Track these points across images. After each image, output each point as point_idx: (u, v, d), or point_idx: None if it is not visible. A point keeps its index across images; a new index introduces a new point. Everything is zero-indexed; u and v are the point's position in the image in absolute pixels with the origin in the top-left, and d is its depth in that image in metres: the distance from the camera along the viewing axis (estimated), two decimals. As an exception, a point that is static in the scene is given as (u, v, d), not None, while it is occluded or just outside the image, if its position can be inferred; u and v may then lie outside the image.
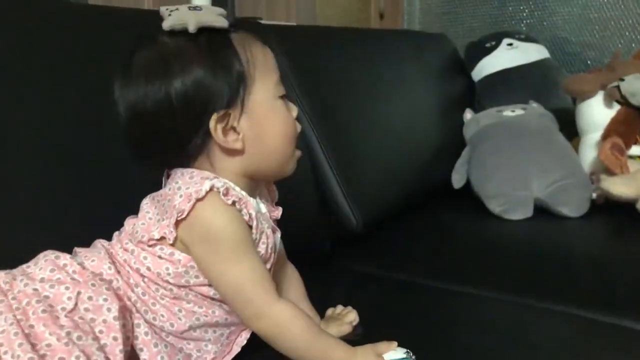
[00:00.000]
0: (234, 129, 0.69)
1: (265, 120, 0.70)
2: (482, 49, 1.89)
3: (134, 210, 0.74)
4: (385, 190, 1.41)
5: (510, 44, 1.87)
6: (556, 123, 1.63)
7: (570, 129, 1.63)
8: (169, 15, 0.66)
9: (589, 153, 1.53)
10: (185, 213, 0.66)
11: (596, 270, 1.13)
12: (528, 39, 1.91)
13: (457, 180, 1.58)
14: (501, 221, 1.43)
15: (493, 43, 1.88)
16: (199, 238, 0.67)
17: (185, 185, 0.67)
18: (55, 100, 0.85)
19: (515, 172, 1.47)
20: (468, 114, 1.72)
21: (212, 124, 0.67)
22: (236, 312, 0.71)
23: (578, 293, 1.04)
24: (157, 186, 0.75)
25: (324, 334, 0.73)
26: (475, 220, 1.45)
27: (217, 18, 0.68)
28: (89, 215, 0.84)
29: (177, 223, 0.67)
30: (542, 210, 1.44)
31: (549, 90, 1.77)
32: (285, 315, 0.69)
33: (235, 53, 0.68)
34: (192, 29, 0.66)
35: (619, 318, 0.96)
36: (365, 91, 1.47)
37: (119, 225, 0.76)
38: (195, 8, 0.67)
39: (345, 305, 0.92)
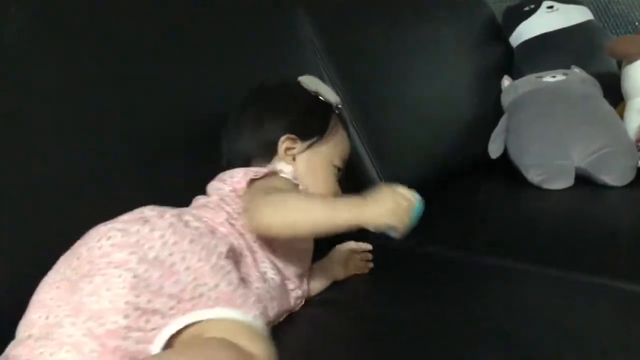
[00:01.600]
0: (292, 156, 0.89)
1: (314, 170, 0.89)
2: (520, 13, 1.81)
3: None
4: (420, 165, 1.36)
5: (551, 7, 1.78)
6: (600, 88, 1.55)
7: (615, 94, 1.54)
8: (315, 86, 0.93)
9: (635, 118, 1.45)
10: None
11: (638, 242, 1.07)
12: (569, 0, 1.82)
13: (494, 150, 1.52)
14: (541, 191, 1.37)
15: (532, 6, 1.80)
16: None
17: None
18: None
19: (554, 141, 1.40)
20: (506, 81, 1.65)
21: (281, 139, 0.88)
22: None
23: (620, 265, 0.99)
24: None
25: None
26: (513, 191, 1.40)
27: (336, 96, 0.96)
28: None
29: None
30: (583, 180, 1.38)
31: (592, 54, 1.69)
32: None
33: (331, 118, 0.92)
34: (336, 102, 0.95)
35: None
36: (398, 62, 1.42)
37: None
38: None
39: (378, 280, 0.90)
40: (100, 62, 0.89)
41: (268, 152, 0.88)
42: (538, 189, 1.38)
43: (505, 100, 1.61)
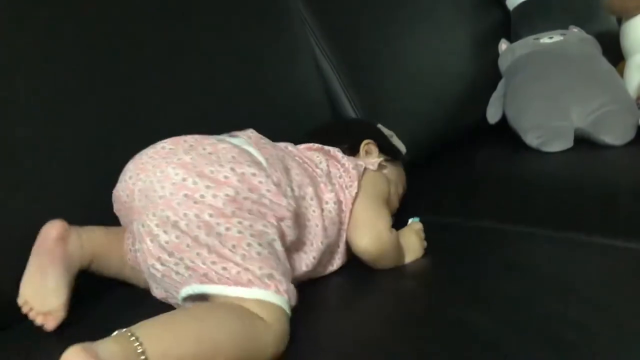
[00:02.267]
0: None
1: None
2: (516, -25, 1.77)
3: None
4: (415, 133, 1.33)
5: (547, -33, 1.74)
6: (599, 48, 1.52)
7: (616, 53, 1.51)
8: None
9: (635, 76, 1.42)
10: None
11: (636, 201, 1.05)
12: (566, -40, 1.77)
13: (492, 114, 1.50)
14: (540, 154, 1.34)
15: (528, -33, 1.76)
16: None
17: None
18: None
19: (552, 102, 1.37)
20: (503, 45, 1.62)
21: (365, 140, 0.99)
22: None
23: (620, 224, 0.97)
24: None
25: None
26: (512, 155, 1.38)
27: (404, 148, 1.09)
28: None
29: None
30: (583, 141, 1.35)
31: (591, 13, 1.65)
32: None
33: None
34: (404, 152, 1.09)
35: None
36: (389, 26, 1.39)
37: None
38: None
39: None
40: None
41: (349, 147, 0.96)
42: (537, 152, 1.35)
43: (503, 64, 1.58)
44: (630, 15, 1.43)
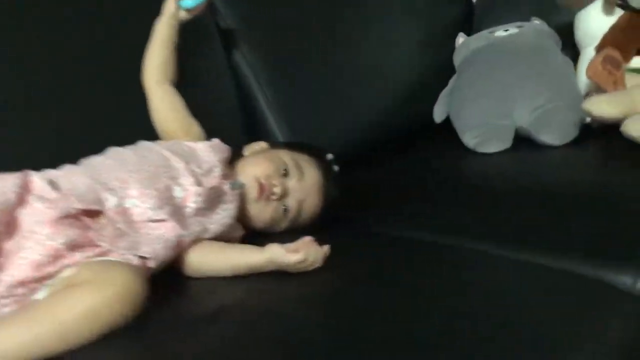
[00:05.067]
0: None
1: None
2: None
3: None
4: (348, 139, 1.28)
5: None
6: (558, 41, 1.42)
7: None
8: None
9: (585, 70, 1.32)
10: None
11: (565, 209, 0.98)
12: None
13: (439, 113, 1.42)
14: (477, 156, 1.27)
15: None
16: None
17: None
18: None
19: (495, 99, 1.29)
20: (460, 39, 1.54)
21: None
22: None
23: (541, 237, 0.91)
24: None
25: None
26: (450, 157, 1.30)
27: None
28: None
29: None
30: (525, 140, 1.27)
31: (555, 4, 1.54)
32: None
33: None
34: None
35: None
36: (320, 29, 1.32)
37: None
38: None
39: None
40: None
41: None
42: (475, 153, 1.28)
43: (457, 59, 1.50)
44: (582, 6, 1.33)
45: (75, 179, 0.79)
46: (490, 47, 1.43)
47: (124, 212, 0.79)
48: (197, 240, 0.84)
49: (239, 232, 0.92)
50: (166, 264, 0.82)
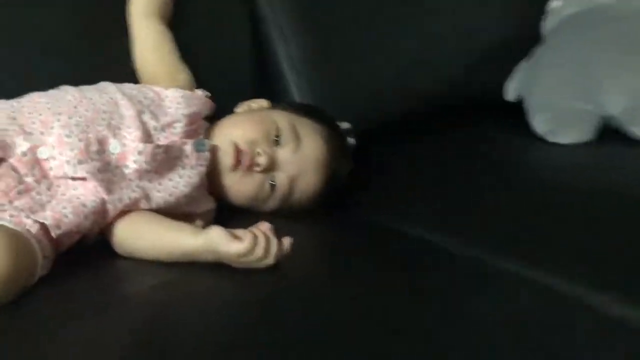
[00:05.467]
0: None
1: None
2: None
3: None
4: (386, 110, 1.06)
5: None
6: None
7: None
8: None
9: None
10: None
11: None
12: None
13: (511, 90, 1.15)
14: (545, 146, 1.00)
15: None
16: None
17: None
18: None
19: (583, 77, 1.01)
20: (554, 2, 1.25)
21: None
22: None
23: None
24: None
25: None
26: (507, 144, 1.03)
27: None
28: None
29: None
30: (616, 135, 0.99)
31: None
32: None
33: None
34: None
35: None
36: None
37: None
38: None
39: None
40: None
41: None
42: (544, 142, 1.01)
43: (547, 26, 1.21)
44: None
45: None
46: (590, 13, 1.14)
47: (34, 162, 0.64)
48: (133, 210, 0.67)
49: (207, 207, 0.74)
50: (96, 236, 0.67)
